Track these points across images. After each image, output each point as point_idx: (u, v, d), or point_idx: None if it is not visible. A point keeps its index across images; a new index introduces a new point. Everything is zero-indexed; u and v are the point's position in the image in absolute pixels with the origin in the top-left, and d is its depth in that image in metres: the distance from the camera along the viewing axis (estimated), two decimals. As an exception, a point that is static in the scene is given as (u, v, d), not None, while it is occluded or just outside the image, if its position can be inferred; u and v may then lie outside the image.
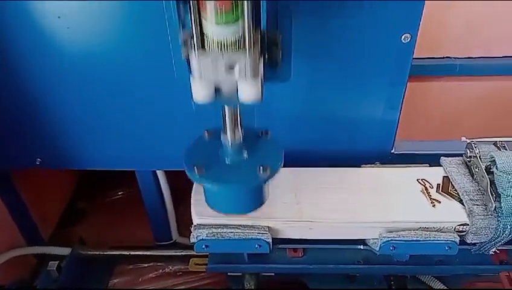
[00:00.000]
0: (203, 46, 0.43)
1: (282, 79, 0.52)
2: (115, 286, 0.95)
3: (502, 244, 0.62)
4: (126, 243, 0.98)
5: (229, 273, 0.78)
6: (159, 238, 0.98)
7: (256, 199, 0.58)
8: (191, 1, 0.40)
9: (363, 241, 0.65)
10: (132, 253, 0.95)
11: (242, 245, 0.58)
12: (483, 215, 0.57)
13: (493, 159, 0.58)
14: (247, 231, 0.58)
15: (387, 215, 0.59)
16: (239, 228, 0.58)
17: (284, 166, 0.59)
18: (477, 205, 0.58)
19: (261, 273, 0.71)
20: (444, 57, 1.03)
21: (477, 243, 0.60)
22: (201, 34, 0.42)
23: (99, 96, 0.70)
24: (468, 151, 0.63)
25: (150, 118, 0.73)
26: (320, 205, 0.61)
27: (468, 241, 0.59)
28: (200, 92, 0.46)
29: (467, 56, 1.03)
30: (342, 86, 0.69)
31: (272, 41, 0.48)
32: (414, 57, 1.06)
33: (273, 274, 0.71)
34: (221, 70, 0.43)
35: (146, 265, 0.98)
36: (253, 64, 0.43)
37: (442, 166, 0.67)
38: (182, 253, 0.91)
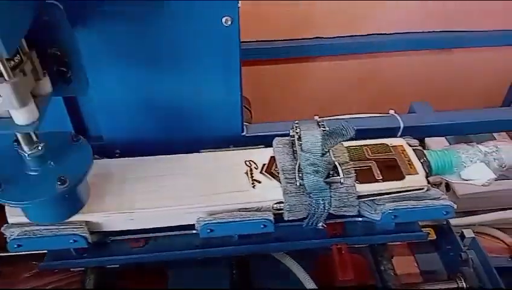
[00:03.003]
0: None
1: (77, 93, 0.51)
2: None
3: (332, 218, 0.65)
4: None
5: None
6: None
7: (69, 207, 0.57)
8: None
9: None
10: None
11: (56, 242, 0.57)
12: (295, 193, 0.59)
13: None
14: (62, 227, 0.57)
15: (206, 199, 0.60)
16: (54, 225, 0.57)
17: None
18: (291, 183, 0.60)
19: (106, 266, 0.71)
20: (314, 37, 1.05)
21: (295, 219, 0.61)
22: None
23: None
24: (291, 131, 0.65)
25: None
26: (141, 195, 0.60)
27: (285, 219, 0.61)
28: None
29: (336, 35, 1.06)
30: (178, 74, 0.68)
31: (57, 58, 0.47)
32: (285, 38, 1.09)
33: (117, 266, 0.71)
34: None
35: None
36: (18, 94, 0.42)
37: (274, 146, 0.68)
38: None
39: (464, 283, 0.81)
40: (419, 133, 0.81)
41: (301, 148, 0.58)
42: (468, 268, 0.82)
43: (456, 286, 0.82)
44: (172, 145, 0.73)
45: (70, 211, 0.57)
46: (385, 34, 1.06)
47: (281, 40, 1.05)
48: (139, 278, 0.76)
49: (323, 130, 0.60)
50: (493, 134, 1.14)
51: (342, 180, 0.58)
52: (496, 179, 1.04)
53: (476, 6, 1.06)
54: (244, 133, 0.78)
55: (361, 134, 0.74)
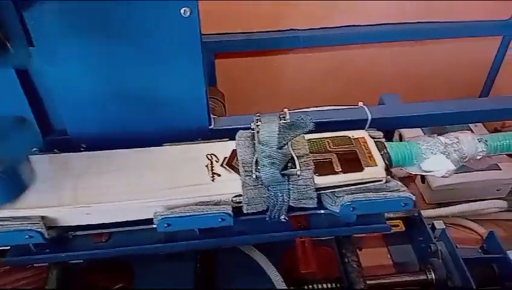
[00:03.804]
0: None
1: (18, 64, 0.50)
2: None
3: (297, 210, 0.64)
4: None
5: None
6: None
7: (8, 188, 0.56)
8: None
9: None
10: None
11: (11, 237, 0.56)
12: (254, 185, 0.59)
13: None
14: (17, 222, 0.56)
15: (164, 193, 0.59)
16: (9, 220, 0.57)
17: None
18: (249, 176, 0.60)
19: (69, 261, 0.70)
20: (287, 30, 1.05)
21: (255, 212, 0.61)
22: None
23: None
24: (252, 123, 0.65)
25: None
26: (99, 189, 0.60)
27: (245, 212, 0.60)
28: None
29: (309, 28, 1.05)
30: (139, 65, 0.67)
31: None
32: (259, 30, 1.08)
33: (81, 261, 0.71)
34: None
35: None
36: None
37: (239, 139, 0.68)
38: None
39: (432, 275, 0.82)
40: (388, 125, 0.81)
41: (258, 140, 0.57)
42: (438, 259, 0.83)
43: (425, 277, 0.82)
44: (139, 138, 0.72)
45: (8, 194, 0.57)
46: (358, 25, 1.05)
47: (255, 32, 1.04)
48: (105, 273, 0.76)
49: (282, 123, 0.60)
50: (470, 125, 1.15)
51: (298, 173, 0.57)
52: (469, 171, 1.06)
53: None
54: (211, 126, 0.78)
55: (330, 126, 0.75)
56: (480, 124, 1.16)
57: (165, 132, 0.75)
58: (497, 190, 1.08)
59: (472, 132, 1.10)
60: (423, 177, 1.08)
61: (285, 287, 0.72)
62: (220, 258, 0.75)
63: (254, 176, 0.57)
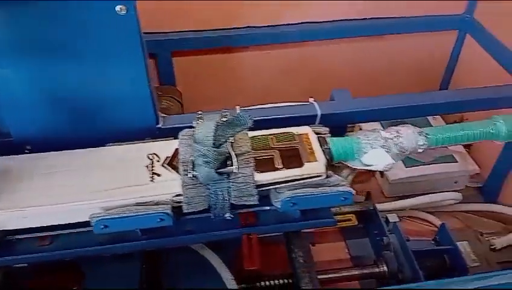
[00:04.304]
0: None
1: None
2: None
3: (245, 208, 0.65)
4: None
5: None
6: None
7: None
8: None
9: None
10: None
11: None
12: (193, 185, 0.59)
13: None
14: None
15: (102, 194, 0.59)
16: None
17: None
18: (187, 175, 0.59)
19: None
20: (244, 27, 1.04)
21: (196, 211, 0.61)
22: None
23: None
24: (194, 122, 0.64)
25: None
26: (36, 191, 0.59)
27: (185, 211, 0.60)
28: None
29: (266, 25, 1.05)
30: (80, 65, 0.66)
31: None
32: (212, 28, 1.07)
33: (25, 265, 0.69)
34: None
35: None
36: None
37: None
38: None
39: (384, 267, 0.83)
40: (338, 121, 0.81)
41: (194, 139, 0.57)
42: (390, 252, 0.84)
43: (377, 270, 0.83)
44: (85, 139, 0.71)
45: None
46: (316, 22, 1.06)
47: (212, 30, 1.03)
48: (52, 276, 0.75)
49: (220, 121, 0.59)
50: (428, 118, 1.16)
51: (235, 170, 0.57)
52: (426, 164, 1.07)
53: None
54: (159, 125, 0.77)
55: (280, 123, 0.74)
56: (439, 116, 1.18)
57: (112, 132, 0.74)
58: (455, 182, 1.10)
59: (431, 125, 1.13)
60: (382, 172, 1.09)
61: (235, 286, 0.72)
62: (170, 257, 0.75)
63: (191, 175, 0.57)
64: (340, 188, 0.61)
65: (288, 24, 1.05)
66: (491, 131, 0.65)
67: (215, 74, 1.11)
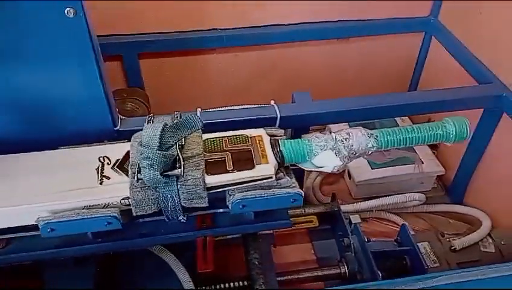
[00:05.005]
0: None
1: None
2: None
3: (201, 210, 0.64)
4: None
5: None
6: None
7: None
8: None
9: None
10: None
11: None
12: (141, 187, 0.58)
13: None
14: None
15: (49, 197, 0.58)
16: None
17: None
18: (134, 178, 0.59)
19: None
20: (210, 29, 1.04)
21: (145, 214, 0.61)
22: None
23: None
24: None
25: None
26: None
27: (134, 214, 0.60)
28: None
29: (233, 27, 1.05)
30: (30, 69, 0.66)
31: None
32: (179, 30, 1.07)
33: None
34: None
35: None
36: None
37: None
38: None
39: (345, 268, 0.83)
40: (297, 122, 0.82)
41: (140, 142, 0.57)
42: (350, 253, 0.84)
43: (338, 271, 0.84)
44: (41, 141, 0.70)
45: None
46: (283, 24, 1.06)
47: (178, 32, 1.03)
48: (12, 279, 0.74)
49: (169, 124, 0.59)
50: (395, 119, 1.18)
51: (181, 173, 0.57)
52: (392, 166, 1.08)
53: None
54: (117, 128, 0.77)
55: (240, 125, 0.75)
56: (407, 118, 1.19)
57: (68, 134, 0.74)
58: (421, 183, 1.11)
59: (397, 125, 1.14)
60: (349, 173, 1.10)
61: (192, 287, 0.72)
62: (125, 260, 0.74)
63: (135, 178, 0.57)
64: (290, 190, 0.61)
65: (255, 26, 1.06)
66: (440, 133, 0.66)
67: (183, 76, 1.11)
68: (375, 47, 1.19)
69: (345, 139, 0.64)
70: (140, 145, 0.56)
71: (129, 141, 0.67)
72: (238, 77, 1.13)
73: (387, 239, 0.97)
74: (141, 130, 0.71)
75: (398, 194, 1.05)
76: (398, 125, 1.16)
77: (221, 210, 0.67)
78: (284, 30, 1.07)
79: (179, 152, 0.59)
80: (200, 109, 0.83)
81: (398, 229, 1.04)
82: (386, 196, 1.03)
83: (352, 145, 0.64)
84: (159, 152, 0.55)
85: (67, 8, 0.61)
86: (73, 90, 0.69)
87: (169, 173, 0.57)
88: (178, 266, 0.74)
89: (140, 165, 0.56)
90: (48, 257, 0.65)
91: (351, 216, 0.89)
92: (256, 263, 0.69)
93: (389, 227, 1.05)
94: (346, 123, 1.07)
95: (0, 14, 0.60)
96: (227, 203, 0.63)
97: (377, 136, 0.66)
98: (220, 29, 1.04)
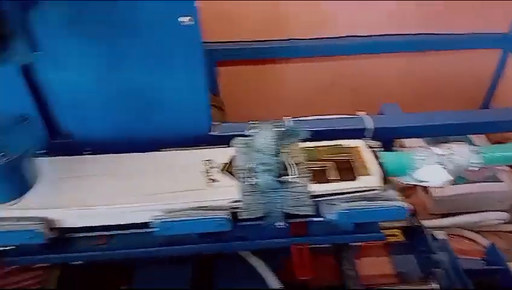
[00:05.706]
0: None
1: (20, 59, 0.52)
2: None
3: (296, 217, 0.65)
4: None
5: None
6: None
7: (12, 185, 0.58)
8: None
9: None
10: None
11: (12, 237, 0.58)
12: (251, 191, 0.60)
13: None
14: (19, 222, 0.58)
15: (160, 197, 0.61)
16: (11, 220, 0.58)
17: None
18: (247, 182, 0.60)
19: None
20: (288, 39, 1.06)
21: (252, 218, 0.62)
22: None
23: None
24: (249, 131, 0.65)
25: None
26: (96, 192, 0.61)
27: (241, 217, 0.61)
28: None
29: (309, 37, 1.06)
30: (142, 72, 0.70)
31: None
32: (257, 39, 1.09)
33: (81, 262, 0.72)
34: None
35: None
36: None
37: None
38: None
39: (436, 285, 0.82)
40: (388, 135, 0.81)
41: (254, 148, 0.58)
42: (440, 270, 0.82)
43: (429, 287, 0.82)
44: (141, 143, 0.73)
45: (15, 190, 0.59)
46: (359, 36, 1.06)
47: (256, 41, 1.05)
48: (104, 274, 0.77)
49: (277, 131, 0.61)
50: (470, 136, 1.14)
51: (294, 180, 0.58)
52: (471, 182, 1.05)
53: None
54: (211, 133, 0.79)
55: (329, 135, 0.75)
56: (483, 135, 1.16)
57: (167, 137, 0.76)
58: (499, 202, 1.07)
59: (473, 143, 1.11)
60: (426, 188, 1.08)
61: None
62: (217, 263, 0.76)
63: (251, 183, 0.58)
64: (395, 203, 0.61)
65: (332, 37, 1.06)
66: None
67: (258, 84, 1.13)
68: (450, 62, 1.17)
69: (450, 154, 0.64)
70: (255, 150, 0.58)
71: (223, 145, 0.70)
72: (310, 86, 1.14)
73: (468, 257, 0.95)
74: (233, 136, 0.74)
75: (474, 212, 1.02)
76: (474, 143, 1.14)
77: (318, 219, 0.67)
78: (358, 42, 1.08)
79: (288, 159, 0.60)
80: (286, 118, 0.84)
81: (476, 246, 1.01)
82: (464, 212, 1.01)
83: (457, 160, 0.63)
84: (275, 158, 0.57)
85: (183, 17, 0.64)
86: (180, 93, 0.72)
87: (282, 179, 0.58)
88: (267, 273, 0.75)
89: (256, 170, 0.58)
90: (151, 255, 0.67)
91: (436, 232, 0.87)
92: (351, 273, 0.69)
93: (468, 244, 1.01)
94: (421, 139, 1.06)
95: (122, 18, 0.64)
96: (327, 212, 0.64)
97: (481, 152, 0.65)
98: (297, 39, 1.05)
